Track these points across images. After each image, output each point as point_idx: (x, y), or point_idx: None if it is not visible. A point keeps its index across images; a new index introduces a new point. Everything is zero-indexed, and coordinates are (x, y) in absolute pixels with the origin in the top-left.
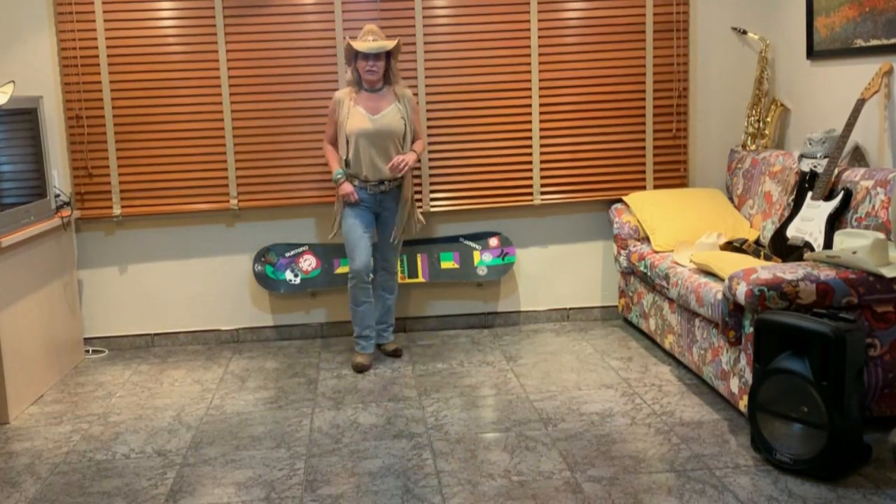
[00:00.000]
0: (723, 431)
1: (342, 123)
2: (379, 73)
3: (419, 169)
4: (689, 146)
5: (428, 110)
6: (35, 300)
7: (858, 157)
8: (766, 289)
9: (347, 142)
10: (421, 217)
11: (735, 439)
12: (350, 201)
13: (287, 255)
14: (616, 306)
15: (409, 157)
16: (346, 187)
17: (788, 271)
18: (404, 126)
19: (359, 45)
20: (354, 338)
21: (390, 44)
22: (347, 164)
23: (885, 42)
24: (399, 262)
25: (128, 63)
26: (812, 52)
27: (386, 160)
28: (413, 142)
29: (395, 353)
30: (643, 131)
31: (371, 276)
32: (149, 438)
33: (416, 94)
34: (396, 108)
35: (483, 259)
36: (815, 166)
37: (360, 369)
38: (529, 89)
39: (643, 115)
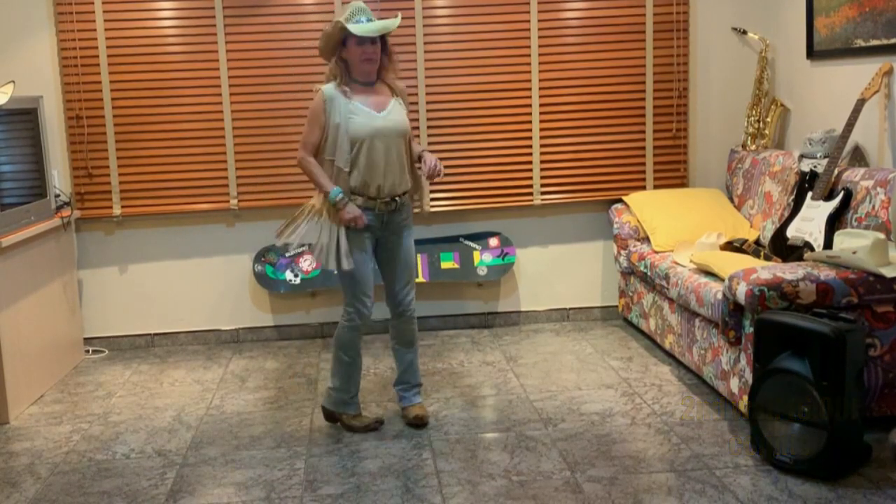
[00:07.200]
0: (723, 431)
1: (340, 124)
2: (379, 61)
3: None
4: (689, 146)
5: (428, 110)
6: (35, 300)
7: (858, 157)
8: (766, 289)
9: (352, 147)
10: None
11: (735, 439)
12: (358, 226)
13: (287, 255)
14: (616, 306)
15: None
16: (353, 209)
17: (788, 271)
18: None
19: (357, 28)
20: (344, 400)
21: (394, 22)
22: (350, 174)
23: (885, 42)
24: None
25: (128, 63)
26: (812, 52)
27: (398, 167)
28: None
29: (419, 422)
30: (643, 131)
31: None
32: (149, 438)
33: (415, 94)
34: (398, 103)
35: (483, 259)
36: (815, 166)
37: (366, 429)
38: (529, 89)
39: (643, 115)
